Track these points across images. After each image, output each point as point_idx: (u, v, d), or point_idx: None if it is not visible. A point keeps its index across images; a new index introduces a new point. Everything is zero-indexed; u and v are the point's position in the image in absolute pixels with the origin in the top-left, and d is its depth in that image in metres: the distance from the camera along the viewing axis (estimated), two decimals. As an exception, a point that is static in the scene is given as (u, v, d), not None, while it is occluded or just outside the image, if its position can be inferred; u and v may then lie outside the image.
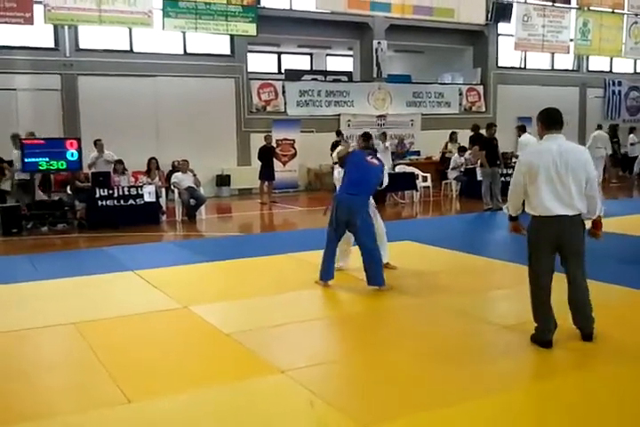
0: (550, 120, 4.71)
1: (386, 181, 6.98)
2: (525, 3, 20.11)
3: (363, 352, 4.96)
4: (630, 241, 8.93)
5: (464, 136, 15.15)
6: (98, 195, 11.27)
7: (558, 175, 4.55)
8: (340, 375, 4.56)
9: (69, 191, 11.93)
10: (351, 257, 7.16)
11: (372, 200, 7.04)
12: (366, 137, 7.22)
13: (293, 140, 16.93)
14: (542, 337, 4.72)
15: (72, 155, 11.38)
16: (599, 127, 18.90)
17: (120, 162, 12.29)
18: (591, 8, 21.56)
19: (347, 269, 7.12)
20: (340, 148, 7.10)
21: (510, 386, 4.14)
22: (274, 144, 15.50)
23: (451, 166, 15.46)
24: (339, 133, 16.36)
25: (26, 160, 11.15)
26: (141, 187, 11.78)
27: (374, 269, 6.43)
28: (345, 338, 5.50)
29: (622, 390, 4.07)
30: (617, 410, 3.79)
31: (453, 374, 4.35)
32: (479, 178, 13.41)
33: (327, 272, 6.60)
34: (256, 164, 15.18)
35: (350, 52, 20.13)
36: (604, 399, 3.94)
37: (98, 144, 12.54)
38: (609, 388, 4.11)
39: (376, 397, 4.03)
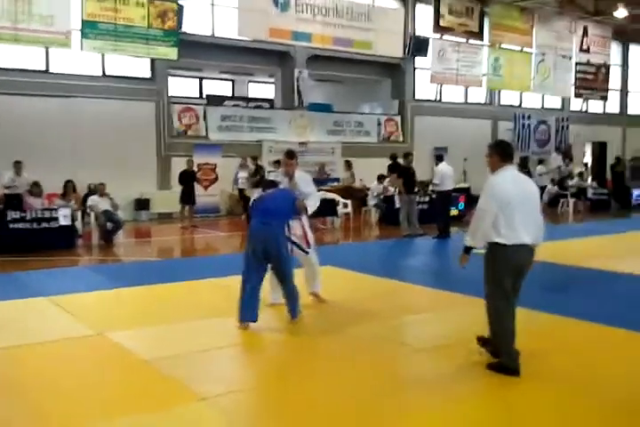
0: (505, 153, 4.93)
1: (312, 204, 6.73)
2: (441, 39, 20.94)
3: (281, 379, 4.96)
4: (550, 269, 9.20)
5: (383, 164, 15.51)
6: (9, 218, 10.85)
7: (523, 204, 4.74)
8: (259, 402, 4.56)
9: (-22, 214, 11.43)
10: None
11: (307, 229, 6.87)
12: (290, 155, 6.92)
13: (215, 165, 16.88)
14: (514, 365, 4.74)
15: (-19, 176, 10.94)
16: None
17: (37, 184, 11.90)
18: (502, 46, 22.70)
19: (280, 303, 6.65)
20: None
21: (428, 409, 4.23)
22: (195, 168, 15.40)
23: (370, 194, 15.78)
24: (255, 158, 16.42)
25: None
26: (56, 209, 11.42)
27: (292, 303, 6.20)
28: (264, 365, 5.46)
29: (540, 409, 4.23)
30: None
31: (371, 400, 4.39)
32: (397, 205, 13.74)
33: (247, 312, 5.97)
34: (177, 188, 15.01)
35: (272, 80, 20.35)
36: (523, 417, 4.09)
37: (17, 166, 12.15)
38: (528, 407, 4.28)
39: (298, 423, 4.03)
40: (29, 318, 6.51)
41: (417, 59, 20.81)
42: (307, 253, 6.70)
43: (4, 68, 14.49)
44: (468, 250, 4.92)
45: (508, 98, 24.06)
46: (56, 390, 4.56)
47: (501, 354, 4.81)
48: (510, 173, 4.87)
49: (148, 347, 5.54)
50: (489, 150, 4.99)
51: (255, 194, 7.01)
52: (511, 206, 4.67)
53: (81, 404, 4.29)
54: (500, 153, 4.92)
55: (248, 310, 5.98)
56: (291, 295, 6.21)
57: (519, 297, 4.94)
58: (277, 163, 16.18)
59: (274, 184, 6.60)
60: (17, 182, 12.09)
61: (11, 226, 10.85)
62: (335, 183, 18.03)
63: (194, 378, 4.79)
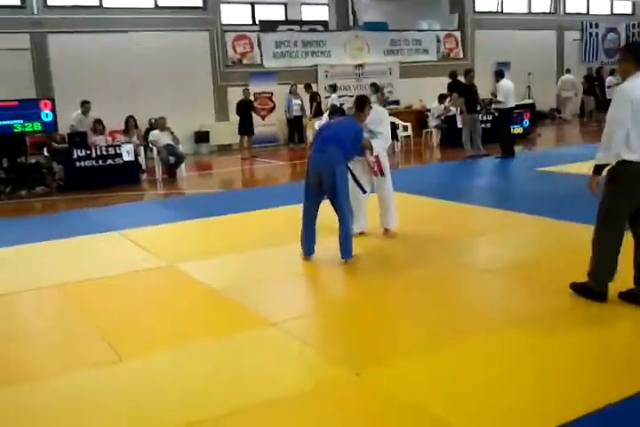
0: None
1: (379, 143, 6.25)
2: (501, -56, 19.70)
3: (346, 304, 5.03)
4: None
5: (443, 83, 15.04)
6: (75, 156, 11.12)
7: None
8: (330, 326, 4.63)
9: (46, 153, 11.76)
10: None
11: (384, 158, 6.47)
12: (359, 106, 6.16)
13: (271, 93, 16.73)
14: (599, 289, 4.46)
15: (47, 115, 11.17)
16: (567, 71, 19.29)
17: (99, 122, 12.09)
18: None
19: (367, 231, 6.71)
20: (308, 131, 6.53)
21: (487, 331, 4.19)
22: (251, 98, 15.29)
23: (430, 115, 15.41)
24: (308, 86, 16.17)
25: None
26: (119, 146, 11.63)
27: (342, 240, 5.79)
28: (329, 291, 5.56)
29: (609, 339, 4.13)
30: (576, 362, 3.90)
31: (433, 320, 4.42)
32: (459, 125, 13.42)
33: (304, 245, 5.98)
34: (234, 118, 15.01)
35: (325, 1, 19.68)
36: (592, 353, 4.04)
37: (85, 106, 12.31)
38: (595, 333, 4.19)
39: (366, 344, 4.13)
40: (103, 252, 6.74)
41: (476, -32, 19.72)
42: (365, 192, 6.25)
43: (58, 6, 14.49)
44: (599, 169, 4.27)
45: (574, 5, 22.65)
46: (131, 319, 4.75)
47: (589, 276, 4.49)
48: None
49: (216, 276, 5.68)
50: (621, 54, 4.37)
51: (317, 122, 6.76)
52: None
53: (155, 332, 4.47)
54: (636, 56, 4.25)
55: (305, 242, 5.97)
56: (343, 232, 5.78)
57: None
58: (332, 87, 15.97)
59: (342, 112, 6.29)
60: (84, 122, 12.25)
61: (77, 164, 11.14)
62: (394, 106, 17.67)
63: (262, 305, 4.90)
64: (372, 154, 6.25)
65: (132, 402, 3.51)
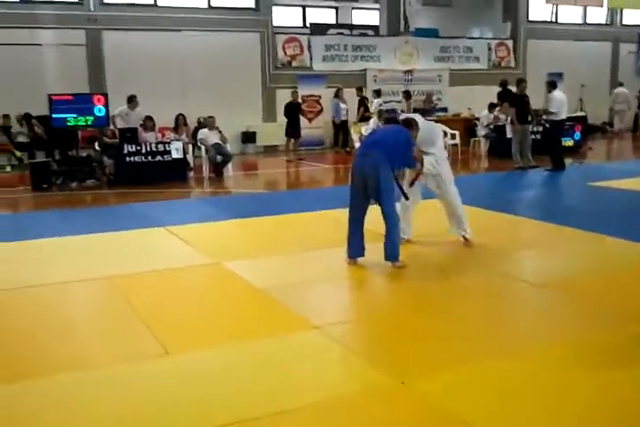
0: None
1: (428, 160, 6.13)
2: (559, -47, 19.43)
3: (390, 312, 4.96)
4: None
5: (492, 92, 14.88)
6: (126, 151, 11.29)
7: None
8: (374, 332, 4.58)
9: (97, 147, 11.96)
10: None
11: (444, 162, 6.44)
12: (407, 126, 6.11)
13: (319, 97, 16.76)
14: None
15: (99, 110, 11.37)
16: (620, 84, 19.03)
17: (150, 118, 12.24)
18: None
19: (412, 239, 6.64)
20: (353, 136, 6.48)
21: (547, 348, 4.10)
22: (299, 100, 15.34)
23: (479, 124, 15.24)
24: (360, 90, 16.15)
25: (54, 116, 11.18)
26: (169, 143, 11.77)
27: (388, 243, 5.74)
28: (377, 295, 5.51)
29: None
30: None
31: (486, 332, 4.35)
32: (509, 135, 13.23)
33: (353, 248, 5.89)
34: (282, 120, 15.08)
35: (377, 5, 19.68)
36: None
37: (134, 100, 12.22)
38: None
39: (411, 353, 4.05)
40: (150, 246, 6.82)
41: (531, -23, 19.49)
42: (407, 198, 6.13)
43: (114, 4, 14.77)
44: None
45: (632, 17, 22.19)
46: (177, 314, 4.77)
47: None
48: None
49: (261, 276, 5.67)
50: None
51: (364, 127, 6.75)
52: None
53: (200, 328, 4.48)
54: None
55: (351, 246, 5.91)
56: (389, 233, 5.73)
57: None
58: (377, 92, 15.93)
59: (394, 121, 6.28)
60: (130, 116, 12.21)
61: (127, 159, 11.31)
62: (441, 113, 17.54)
63: (305, 307, 4.88)
64: (422, 167, 6.13)
65: (177, 396, 3.51)
